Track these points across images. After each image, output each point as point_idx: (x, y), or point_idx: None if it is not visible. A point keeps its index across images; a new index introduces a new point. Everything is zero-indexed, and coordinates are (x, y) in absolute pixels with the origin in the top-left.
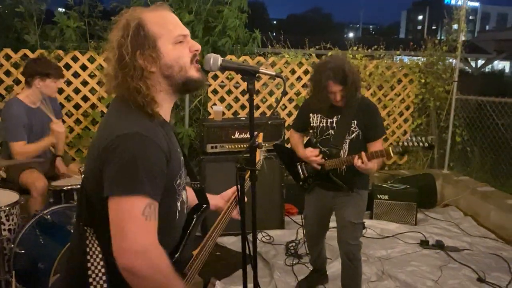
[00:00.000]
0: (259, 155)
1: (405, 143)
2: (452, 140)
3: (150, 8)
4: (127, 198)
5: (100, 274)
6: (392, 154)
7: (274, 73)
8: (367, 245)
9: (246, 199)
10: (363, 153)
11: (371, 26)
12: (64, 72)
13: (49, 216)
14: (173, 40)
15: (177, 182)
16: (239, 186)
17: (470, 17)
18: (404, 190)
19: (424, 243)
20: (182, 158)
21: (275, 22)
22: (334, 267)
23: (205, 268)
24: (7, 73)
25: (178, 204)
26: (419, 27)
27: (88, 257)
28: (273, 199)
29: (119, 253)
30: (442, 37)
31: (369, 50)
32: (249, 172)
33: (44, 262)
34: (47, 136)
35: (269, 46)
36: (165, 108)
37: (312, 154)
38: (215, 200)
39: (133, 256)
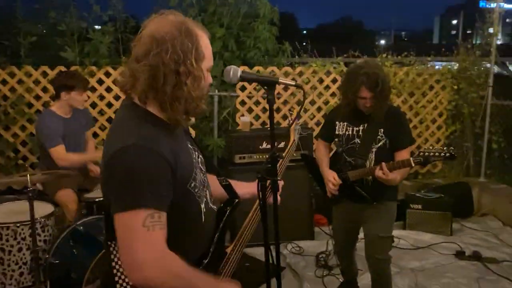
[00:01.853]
0: (294, 134)
1: (426, 153)
2: (488, 147)
3: (199, 26)
4: (127, 213)
5: (128, 287)
6: (413, 164)
7: (293, 83)
8: (400, 257)
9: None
10: (383, 164)
11: (403, 33)
12: (97, 86)
13: (81, 228)
14: (208, 67)
15: (192, 185)
16: (261, 196)
17: (507, 20)
18: (439, 199)
19: (460, 254)
20: (199, 159)
21: (304, 32)
22: (365, 279)
23: (233, 278)
24: (44, 89)
25: (202, 205)
26: (453, 32)
27: (115, 271)
28: (302, 209)
29: (128, 269)
30: (477, 41)
31: (399, 57)
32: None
33: (76, 272)
34: (91, 153)
35: (297, 56)
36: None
37: (332, 181)
38: (248, 188)
39: (140, 270)
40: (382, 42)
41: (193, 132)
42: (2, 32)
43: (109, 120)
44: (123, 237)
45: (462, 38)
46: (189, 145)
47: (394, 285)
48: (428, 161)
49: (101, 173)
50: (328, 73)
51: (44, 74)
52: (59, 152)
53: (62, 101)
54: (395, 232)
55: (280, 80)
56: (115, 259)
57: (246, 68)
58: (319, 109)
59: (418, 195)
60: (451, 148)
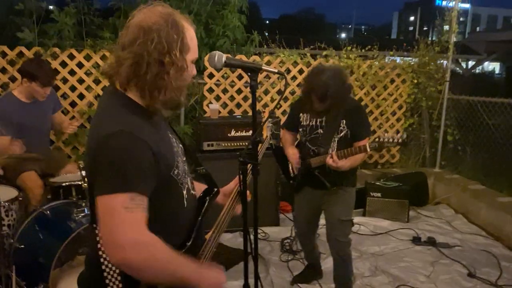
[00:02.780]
0: (266, 131)
1: (381, 139)
2: (444, 139)
3: (186, 18)
4: (109, 196)
5: (113, 268)
6: (368, 149)
7: (276, 70)
8: (361, 242)
9: (249, 194)
10: (333, 153)
11: (363, 27)
12: (60, 69)
13: (48, 212)
14: (193, 59)
15: (175, 172)
16: (241, 180)
17: (461, 19)
18: (397, 188)
19: (416, 240)
20: (179, 148)
21: (267, 22)
22: (328, 263)
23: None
24: (3, 70)
25: (184, 192)
26: (411, 28)
27: (100, 252)
28: (268, 196)
29: (108, 250)
30: (433, 38)
31: (363, 50)
32: (251, 166)
33: (44, 257)
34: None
35: (264, 46)
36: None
37: (292, 154)
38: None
39: (119, 250)
40: (343, 35)
41: None
42: None
43: (72, 104)
44: (104, 219)
45: (419, 34)
46: (169, 134)
47: (356, 269)
48: (382, 146)
49: (86, 157)
50: (295, 64)
51: (3, 54)
52: None
53: (23, 87)
54: (356, 219)
55: (263, 67)
56: (101, 241)
57: None
58: (285, 99)
59: (377, 183)
60: (403, 134)
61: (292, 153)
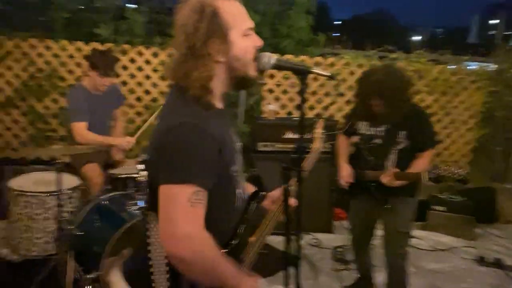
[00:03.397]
0: (318, 142)
1: (439, 172)
2: None
3: None
4: (175, 185)
5: (161, 253)
6: (424, 180)
7: (327, 74)
8: (419, 257)
9: (295, 201)
10: (392, 171)
11: (439, 30)
12: (129, 65)
13: (105, 202)
14: (243, 32)
15: (234, 169)
16: (284, 187)
17: None
18: (463, 203)
19: (480, 260)
20: (237, 145)
21: (338, 22)
22: (382, 276)
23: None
24: (78, 64)
25: (237, 191)
26: (492, 32)
27: (149, 239)
28: (321, 201)
29: (164, 239)
30: None
31: (435, 54)
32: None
33: (98, 245)
34: (111, 138)
35: (331, 47)
36: (219, 98)
37: (344, 175)
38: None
39: (177, 242)
40: (417, 38)
41: None
42: (39, 7)
43: (138, 99)
44: (166, 209)
45: (502, 39)
46: (232, 130)
47: (410, 285)
48: (439, 179)
49: (151, 148)
50: (360, 66)
51: (79, 49)
52: (79, 128)
53: (90, 77)
54: (416, 233)
55: (313, 70)
56: (150, 228)
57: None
58: (348, 102)
59: (441, 196)
60: (463, 170)
61: (343, 171)
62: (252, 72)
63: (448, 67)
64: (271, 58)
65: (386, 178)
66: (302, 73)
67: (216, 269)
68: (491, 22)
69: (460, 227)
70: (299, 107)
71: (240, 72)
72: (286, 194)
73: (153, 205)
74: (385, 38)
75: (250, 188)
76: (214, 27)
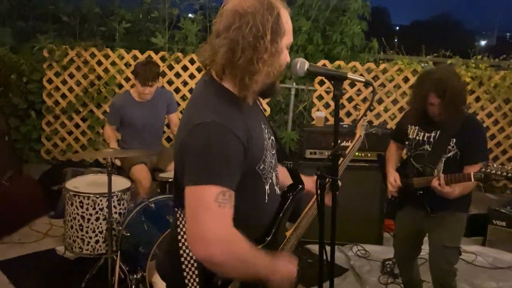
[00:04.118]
0: (360, 130)
1: (487, 170)
2: None
3: (280, 1)
4: (200, 187)
5: (191, 255)
6: (472, 179)
7: (363, 79)
8: (476, 275)
9: (329, 199)
10: (442, 175)
11: (508, 34)
12: (181, 73)
13: (153, 205)
14: (288, 44)
15: (261, 167)
16: (318, 195)
17: None
18: None
19: None
20: (270, 140)
21: (397, 28)
22: None
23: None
24: None
25: (267, 187)
26: None
27: (180, 237)
28: (372, 211)
29: (192, 241)
30: None
31: (497, 60)
32: (330, 181)
33: (144, 246)
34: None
35: (382, 52)
36: (252, 96)
37: (391, 182)
38: (307, 183)
39: (206, 245)
40: (483, 42)
41: (268, 110)
42: (100, 17)
43: None
44: (193, 210)
45: None
46: (262, 125)
47: None
48: (489, 178)
49: (177, 146)
50: (415, 72)
51: (135, 58)
52: (105, 128)
53: (136, 86)
54: (473, 248)
55: (348, 75)
56: (181, 226)
57: (327, 63)
58: (401, 109)
59: (503, 210)
60: None
61: (392, 181)
62: (277, 83)
63: None
64: (304, 64)
65: (436, 183)
66: (336, 78)
67: (247, 263)
68: None
69: None
70: (334, 112)
71: (272, 80)
72: (321, 204)
73: (180, 201)
74: (445, 43)
75: (288, 181)
76: (276, 26)
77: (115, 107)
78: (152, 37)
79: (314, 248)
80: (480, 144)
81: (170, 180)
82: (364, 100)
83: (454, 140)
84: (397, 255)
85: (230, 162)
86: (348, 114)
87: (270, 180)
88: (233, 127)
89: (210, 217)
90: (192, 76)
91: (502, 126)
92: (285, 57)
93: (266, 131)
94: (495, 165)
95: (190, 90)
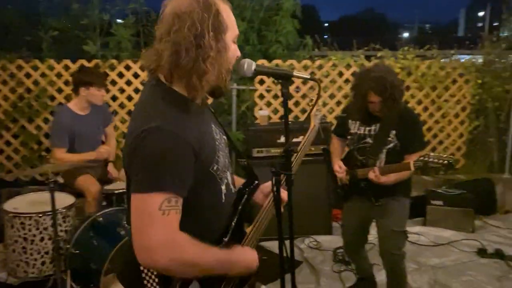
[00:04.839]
0: (314, 120)
1: (426, 158)
2: None
3: None
4: (146, 195)
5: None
6: (412, 168)
7: (308, 76)
8: (419, 253)
9: (285, 194)
10: (376, 168)
11: (427, 25)
12: (117, 80)
13: (101, 219)
14: (234, 38)
15: (214, 168)
16: (274, 191)
17: None
18: (461, 196)
19: (482, 252)
20: (222, 140)
21: (326, 24)
22: (383, 275)
23: None
24: (66, 82)
25: (223, 187)
26: (480, 24)
27: None
28: (320, 203)
29: (137, 250)
30: (503, 34)
31: (421, 50)
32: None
33: (96, 262)
34: (88, 154)
35: (316, 49)
36: (201, 97)
37: (337, 169)
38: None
39: (148, 252)
40: (406, 34)
41: None
42: (25, 26)
43: (129, 113)
44: (137, 218)
45: (489, 31)
46: (213, 126)
47: (413, 282)
48: (427, 166)
49: (124, 153)
50: (348, 66)
51: (66, 68)
52: (56, 153)
53: (81, 97)
54: (416, 229)
55: (294, 74)
56: None
57: (265, 62)
58: (338, 103)
59: (439, 191)
60: (451, 156)
61: (337, 168)
62: (227, 83)
63: (442, 60)
64: (251, 64)
65: (372, 175)
66: (284, 77)
67: (197, 265)
68: (480, 14)
69: (460, 220)
70: (283, 110)
71: (222, 76)
72: (278, 199)
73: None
74: (373, 38)
75: (240, 180)
76: (217, 23)
77: (62, 127)
78: (83, 44)
79: (268, 244)
80: (418, 135)
81: (116, 191)
82: (304, 96)
83: (394, 132)
84: (346, 244)
85: (177, 168)
86: (290, 111)
87: (226, 180)
88: (181, 131)
89: (152, 226)
90: (128, 83)
91: (431, 112)
92: (234, 51)
93: (218, 131)
94: (431, 154)
95: (128, 97)
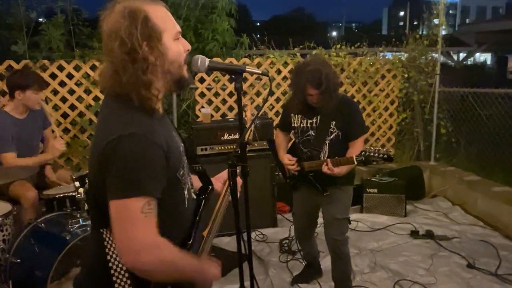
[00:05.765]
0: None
1: (367, 153)
2: (437, 132)
3: (148, 1)
4: (128, 200)
5: (122, 271)
6: (355, 162)
7: (260, 72)
8: (359, 238)
9: (239, 192)
10: (329, 160)
11: (353, 24)
12: (50, 81)
13: (43, 225)
14: (174, 36)
15: (181, 173)
16: (231, 182)
17: (450, 11)
18: (393, 183)
19: (414, 234)
20: (181, 146)
21: (258, 24)
22: (328, 261)
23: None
24: None
25: (185, 192)
26: (401, 23)
27: (109, 257)
28: (264, 197)
29: (123, 254)
30: (423, 32)
31: (352, 48)
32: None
33: (40, 270)
34: (44, 154)
35: (254, 48)
36: (159, 102)
37: (287, 163)
38: (214, 183)
39: (135, 254)
40: (334, 33)
41: None
42: None
43: (64, 115)
44: (121, 223)
45: (409, 29)
46: (174, 132)
47: (355, 265)
48: (368, 161)
49: (93, 162)
50: (285, 64)
51: None
52: (7, 159)
53: (16, 101)
54: (354, 216)
55: (247, 69)
56: (108, 245)
57: None
58: (277, 99)
59: (373, 179)
60: (389, 150)
61: (287, 161)
62: (185, 73)
63: (370, 58)
64: (205, 60)
65: (325, 168)
66: (236, 72)
67: (177, 267)
68: (400, 14)
69: (393, 206)
70: (237, 105)
71: (176, 75)
72: (234, 191)
73: (104, 221)
74: (305, 36)
75: (198, 184)
76: (147, 31)
77: (6, 131)
78: (9, 45)
79: (215, 240)
80: (357, 120)
81: (56, 196)
82: (245, 94)
83: (334, 122)
84: (297, 232)
85: (154, 171)
86: (231, 108)
87: (188, 185)
88: (153, 136)
89: (138, 229)
90: (62, 84)
91: (363, 106)
92: (178, 49)
93: (177, 138)
94: (371, 148)
95: (62, 99)
